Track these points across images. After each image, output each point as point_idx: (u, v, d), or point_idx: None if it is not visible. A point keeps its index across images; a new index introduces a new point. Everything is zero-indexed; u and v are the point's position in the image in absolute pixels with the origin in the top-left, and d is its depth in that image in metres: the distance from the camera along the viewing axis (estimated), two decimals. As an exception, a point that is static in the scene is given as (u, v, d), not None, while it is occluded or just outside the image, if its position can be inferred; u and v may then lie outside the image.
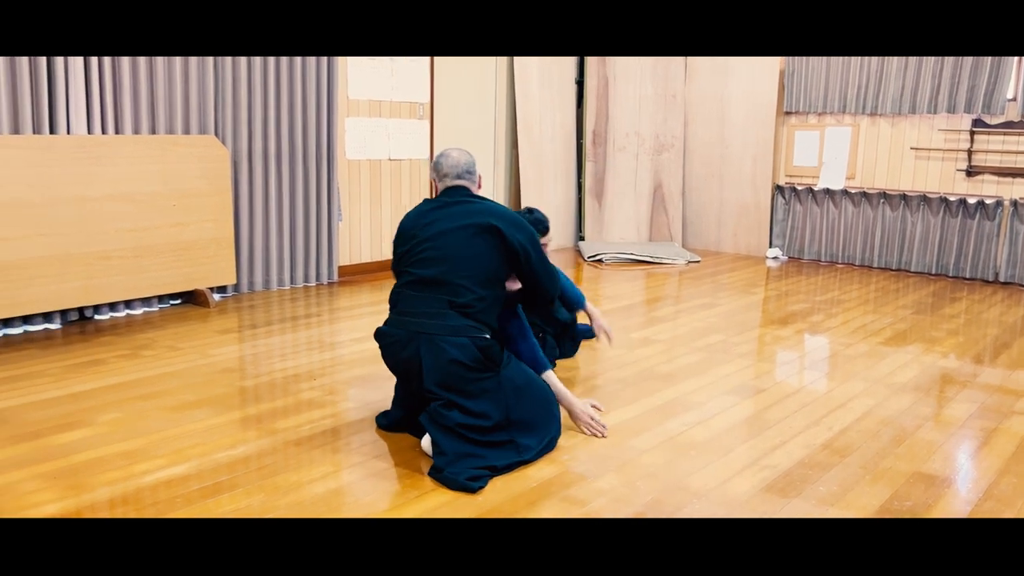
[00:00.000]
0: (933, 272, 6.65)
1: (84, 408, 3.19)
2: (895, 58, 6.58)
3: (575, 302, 3.82)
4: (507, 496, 2.53)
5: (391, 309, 2.93)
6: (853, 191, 6.97)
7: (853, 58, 6.79)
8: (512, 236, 2.82)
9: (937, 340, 4.57)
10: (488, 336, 2.80)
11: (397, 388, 3.08)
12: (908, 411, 3.40)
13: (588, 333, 4.05)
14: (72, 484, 2.53)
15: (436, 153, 3.10)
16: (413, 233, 2.91)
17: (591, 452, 2.88)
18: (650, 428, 3.13)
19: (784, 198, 7.35)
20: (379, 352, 2.96)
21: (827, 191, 7.11)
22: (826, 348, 4.40)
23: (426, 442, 2.82)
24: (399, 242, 2.97)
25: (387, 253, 6.25)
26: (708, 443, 3.00)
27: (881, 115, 6.79)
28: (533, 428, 2.83)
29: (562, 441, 2.97)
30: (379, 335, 2.92)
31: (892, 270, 6.82)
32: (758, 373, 3.89)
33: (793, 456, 2.89)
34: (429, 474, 2.65)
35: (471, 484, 2.55)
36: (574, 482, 2.64)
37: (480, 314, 2.79)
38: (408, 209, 6.34)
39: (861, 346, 4.41)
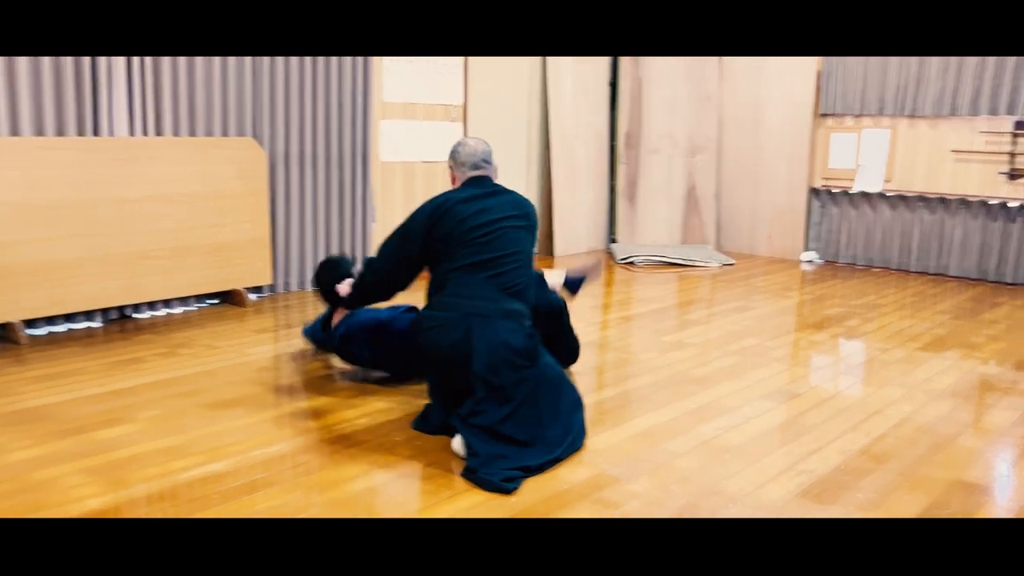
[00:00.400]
0: (973, 277, 6.54)
1: (124, 405, 3.25)
2: (935, 59, 6.48)
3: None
4: (540, 498, 2.53)
5: (436, 292, 2.88)
6: (890, 194, 6.87)
7: (891, 59, 6.70)
8: (536, 227, 3.04)
9: (977, 346, 4.49)
10: (531, 325, 2.86)
11: (435, 390, 3.05)
12: (947, 418, 3.35)
13: (577, 282, 3.71)
14: (113, 479, 2.58)
15: (454, 145, 3.10)
16: (462, 218, 2.88)
17: (624, 454, 2.88)
18: (684, 432, 3.11)
19: (820, 201, 7.27)
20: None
21: (864, 194, 7.02)
22: (862, 353, 4.35)
23: (457, 443, 2.83)
24: (440, 222, 2.88)
25: (420, 254, 6.28)
26: (743, 447, 2.98)
27: (920, 117, 6.69)
28: (558, 417, 2.84)
29: (595, 443, 2.97)
30: (421, 319, 2.91)
31: (930, 274, 6.72)
32: (793, 377, 3.86)
33: (830, 462, 2.86)
34: (463, 475, 2.67)
35: (506, 485, 2.56)
36: (607, 484, 2.64)
37: (528, 301, 2.89)
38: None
39: (898, 351, 4.35)
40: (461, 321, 2.78)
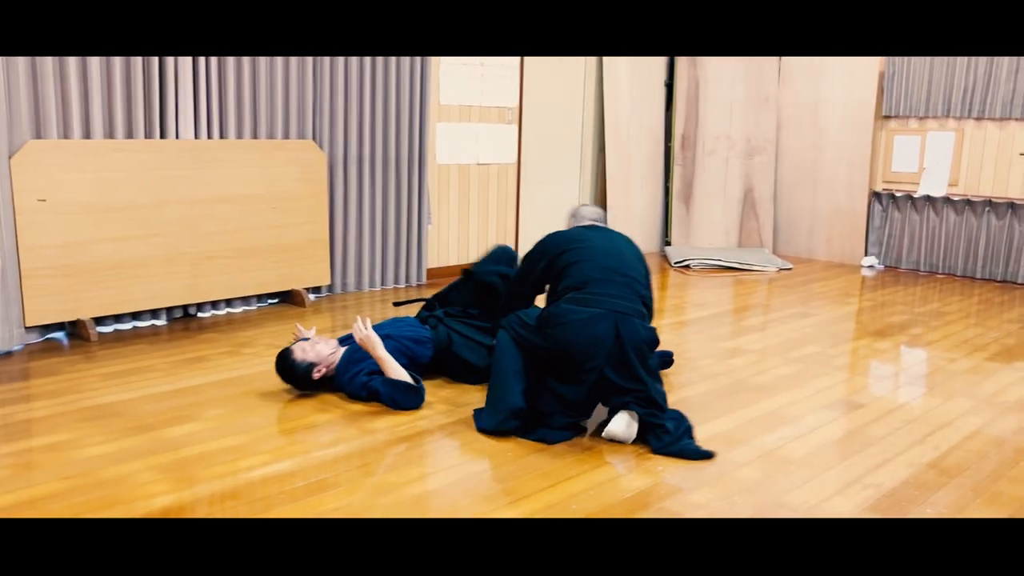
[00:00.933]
0: (1042, 284, 6.34)
1: (191, 403, 3.33)
2: (1005, 59, 6.30)
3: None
4: (600, 506, 2.53)
5: (574, 290, 3.10)
6: (956, 198, 6.69)
7: (958, 59, 6.52)
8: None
9: (1049, 357, 4.35)
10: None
11: (521, 379, 3.09)
12: (1020, 431, 3.25)
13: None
14: (182, 477, 2.64)
15: (574, 207, 3.69)
16: (580, 237, 3.29)
17: (685, 464, 2.85)
18: (745, 441, 3.07)
19: (881, 205, 7.12)
20: None
21: (928, 198, 6.85)
22: (927, 363, 4.24)
23: (618, 427, 2.97)
24: (555, 246, 3.30)
25: (473, 256, 6.31)
26: (807, 459, 2.93)
27: (989, 119, 6.51)
28: None
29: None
30: (562, 312, 3.05)
31: (997, 282, 6.52)
32: (856, 387, 3.78)
33: (897, 475, 2.80)
34: (657, 452, 2.91)
35: (707, 452, 2.92)
36: (669, 494, 2.62)
37: (650, 308, 3.22)
38: (495, 212, 6.40)
39: (965, 362, 4.23)
40: (606, 317, 3.01)
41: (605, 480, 2.71)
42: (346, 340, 3.60)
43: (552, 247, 3.31)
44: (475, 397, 3.46)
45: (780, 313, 5.27)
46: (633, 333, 3.01)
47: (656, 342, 3.16)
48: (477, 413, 3.18)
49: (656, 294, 5.72)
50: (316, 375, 3.40)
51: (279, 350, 3.54)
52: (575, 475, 2.74)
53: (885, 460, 2.93)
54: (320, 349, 3.43)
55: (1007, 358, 4.31)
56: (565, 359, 3.03)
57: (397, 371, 3.29)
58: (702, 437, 3.09)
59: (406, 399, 3.27)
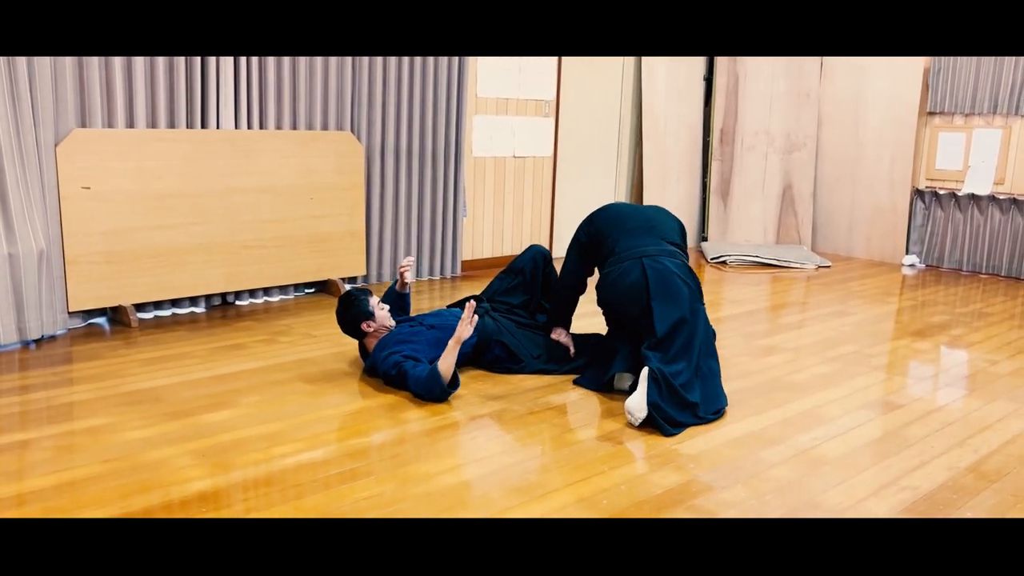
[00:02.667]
0: (1090, 286, 6.18)
1: (228, 390, 3.38)
2: (1056, 55, 6.14)
3: None
4: (632, 502, 2.52)
5: (611, 256, 3.45)
6: (1002, 197, 6.55)
7: (1006, 57, 6.37)
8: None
9: (1096, 361, 4.24)
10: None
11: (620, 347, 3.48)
12: (1063, 437, 3.18)
13: None
14: (218, 463, 2.69)
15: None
16: (605, 212, 3.63)
17: (719, 461, 2.83)
18: (780, 440, 3.04)
19: (924, 203, 6.98)
20: None
21: (972, 196, 6.71)
22: (968, 364, 4.16)
23: (631, 402, 3.10)
24: (603, 223, 3.58)
25: (508, 249, 6.32)
26: (842, 459, 2.89)
27: (1037, 116, 6.35)
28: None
29: (689, 448, 2.93)
30: (603, 276, 3.46)
31: (1043, 282, 6.38)
32: (894, 388, 3.72)
33: (935, 478, 2.75)
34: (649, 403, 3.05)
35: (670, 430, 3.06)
36: (701, 492, 2.60)
37: (685, 252, 3.52)
38: (530, 205, 6.39)
39: (1007, 364, 4.14)
40: (633, 265, 3.33)
41: (636, 476, 2.70)
42: (400, 323, 3.71)
43: (583, 234, 3.66)
44: (507, 389, 3.46)
45: (818, 311, 5.21)
46: (660, 268, 3.30)
47: (690, 270, 3.41)
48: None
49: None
50: (365, 327, 3.59)
51: (346, 295, 3.66)
52: (607, 470, 2.74)
53: (922, 463, 2.88)
54: (383, 315, 3.63)
55: (1052, 361, 4.21)
56: (619, 315, 3.46)
57: (450, 368, 3.29)
58: (737, 435, 3.07)
59: (430, 392, 3.28)
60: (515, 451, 2.87)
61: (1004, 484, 2.73)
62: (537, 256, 4.00)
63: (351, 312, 3.59)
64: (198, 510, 2.36)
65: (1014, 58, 6.35)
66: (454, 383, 3.33)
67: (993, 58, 6.45)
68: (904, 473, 2.79)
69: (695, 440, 3.01)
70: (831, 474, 2.77)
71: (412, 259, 3.86)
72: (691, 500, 2.54)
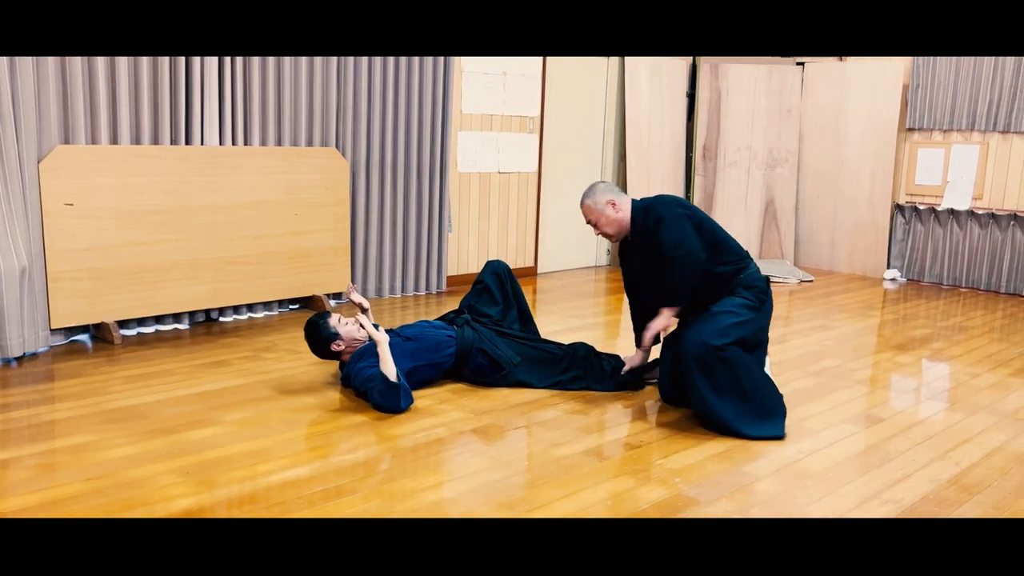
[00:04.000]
0: (1068, 300, 6.26)
1: (212, 407, 3.36)
2: (1031, 73, 6.24)
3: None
4: (617, 517, 2.52)
5: (737, 259, 3.38)
6: (980, 212, 6.63)
7: (983, 73, 6.47)
8: None
9: (1074, 374, 4.30)
10: None
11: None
12: (1043, 449, 3.21)
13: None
14: (203, 480, 2.67)
15: (608, 184, 3.58)
16: (690, 205, 3.49)
17: (703, 475, 2.85)
18: (764, 454, 3.06)
19: (904, 218, 7.06)
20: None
21: (951, 211, 6.79)
22: (949, 377, 4.20)
23: None
24: (692, 211, 3.38)
25: (494, 264, 6.33)
26: (825, 473, 2.91)
27: (1015, 132, 6.45)
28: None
29: (673, 463, 2.94)
30: (762, 280, 3.40)
31: (1022, 296, 6.45)
32: (877, 401, 3.75)
33: (917, 491, 2.78)
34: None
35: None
36: (686, 506, 2.61)
37: None
38: (515, 220, 6.40)
39: (988, 377, 4.19)
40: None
41: (622, 491, 2.71)
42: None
43: (691, 211, 3.38)
44: (493, 404, 3.47)
45: (800, 325, 5.24)
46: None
47: None
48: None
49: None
50: (335, 347, 3.58)
51: (311, 319, 3.67)
52: (592, 485, 2.74)
53: (904, 476, 2.91)
54: (350, 329, 3.60)
55: (1031, 374, 4.26)
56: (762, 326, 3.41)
57: (389, 371, 3.33)
58: (721, 449, 3.08)
59: (384, 398, 3.29)
60: (500, 467, 2.87)
61: (985, 496, 2.76)
62: (499, 270, 4.02)
63: (317, 338, 3.61)
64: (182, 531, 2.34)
65: (991, 74, 6.45)
66: (406, 396, 3.34)
67: (971, 74, 6.55)
68: (887, 486, 2.81)
69: (680, 455, 3.02)
70: (815, 487, 2.79)
71: (352, 284, 3.85)
72: (676, 515, 2.55)
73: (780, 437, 3.20)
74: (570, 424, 3.31)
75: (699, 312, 3.33)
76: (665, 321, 3.41)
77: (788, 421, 3.41)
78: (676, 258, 3.24)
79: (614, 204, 3.43)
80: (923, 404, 3.75)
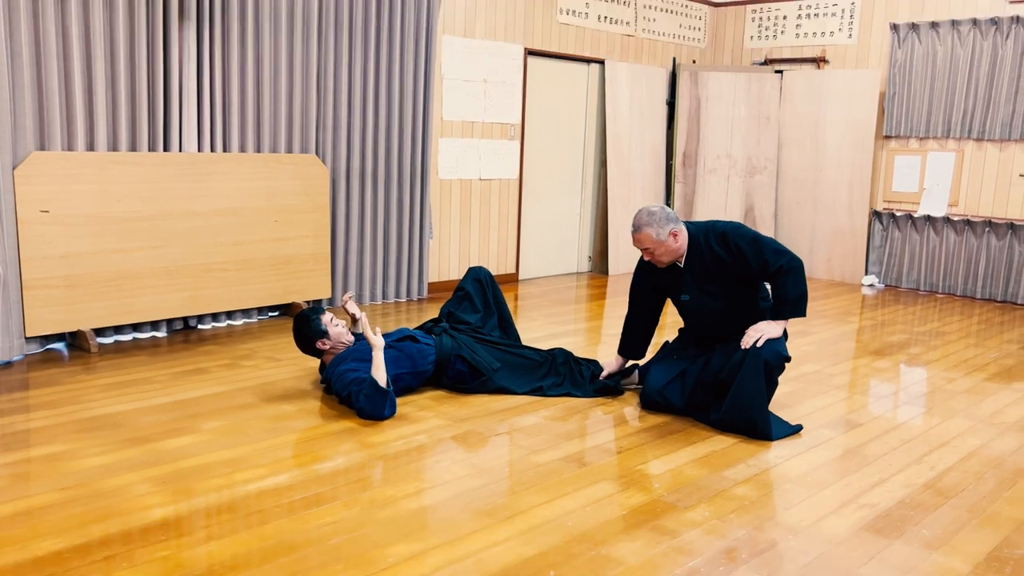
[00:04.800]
0: (1042, 305, 6.34)
1: (189, 415, 3.33)
2: (1004, 82, 6.34)
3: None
4: (597, 523, 2.53)
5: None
6: (956, 218, 6.71)
7: (958, 81, 6.56)
8: None
9: (1048, 378, 4.35)
10: None
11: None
12: (1017, 452, 3.25)
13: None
14: (179, 489, 2.65)
15: (664, 209, 3.40)
16: None
17: (682, 480, 2.85)
18: (743, 459, 3.08)
19: (882, 224, 7.14)
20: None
21: (928, 218, 6.87)
22: (926, 382, 4.24)
23: None
24: None
25: (475, 271, 6.33)
26: (803, 477, 2.93)
27: (988, 140, 6.54)
28: None
29: (653, 468, 2.95)
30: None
31: (997, 302, 6.53)
32: (855, 406, 3.78)
33: (893, 495, 2.80)
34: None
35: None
36: (664, 511, 2.62)
37: None
38: (496, 227, 6.41)
39: (964, 381, 4.23)
40: None
41: (602, 496, 2.71)
42: (359, 341, 3.68)
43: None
44: (473, 411, 3.46)
45: (779, 331, 5.27)
46: None
47: None
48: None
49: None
50: (320, 345, 3.59)
51: (301, 313, 3.66)
52: (572, 491, 2.74)
53: (881, 480, 2.93)
54: (339, 331, 3.62)
55: (1006, 379, 4.31)
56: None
57: (380, 377, 3.33)
58: (700, 455, 3.10)
59: (370, 403, 3.29)
60: (480, 474, 2.86)
61: (960, 500, 2.78)
62: (480, 276, 4.03)
63: (305, 332, 3.60)
64: (158, 538, 2.32)
65: (966, 83, 6.54)
66: (391, 405, 3.34)
67: (946, 83, 6.63)
68: (864, 491, 2.83)
69: (659, 460, 3.03)
70: (793, 492, 2.80)
71: (351, 293, 3.87)
72: (655, 520, 2.55)
73: (799, 429, 3.42)
74: (550, 431, 3.31)
75: (727, 337, 3.43)
76: (778, 331, 3.32)
77: (767, 426, 3.44)
78: (790, 268, 3.24)
79: (676, 235, 3.35)
80: (900, 409, 3.78)
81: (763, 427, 3.27)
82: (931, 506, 2.72)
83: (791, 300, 3.25)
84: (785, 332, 3.39)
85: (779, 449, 3.19)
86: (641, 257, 3.54)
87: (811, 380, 4.16)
